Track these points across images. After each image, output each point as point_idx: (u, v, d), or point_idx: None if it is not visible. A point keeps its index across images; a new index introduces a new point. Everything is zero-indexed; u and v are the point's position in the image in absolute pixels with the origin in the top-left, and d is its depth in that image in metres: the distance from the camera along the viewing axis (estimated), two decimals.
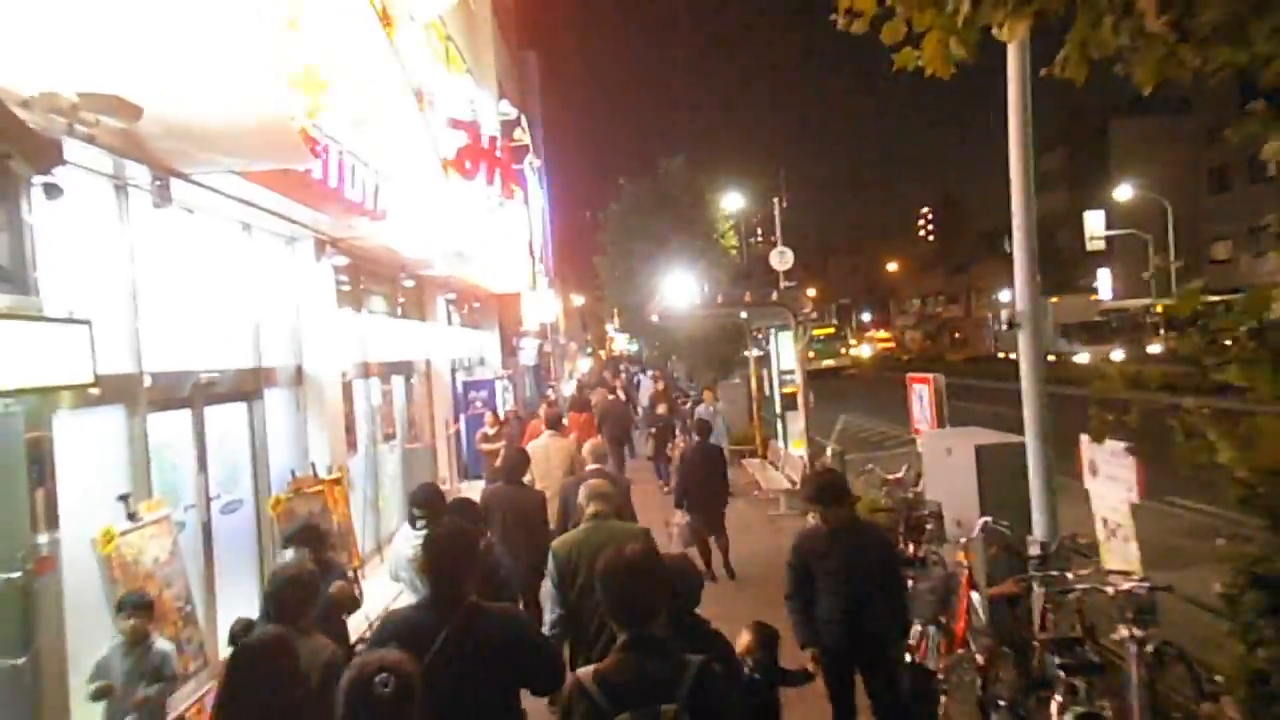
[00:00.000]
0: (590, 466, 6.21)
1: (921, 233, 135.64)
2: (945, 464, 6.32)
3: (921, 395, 7.43)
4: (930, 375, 7.30)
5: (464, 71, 11.51)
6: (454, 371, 15.16)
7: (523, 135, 14.30)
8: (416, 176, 8.79)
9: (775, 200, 17.77)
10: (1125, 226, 40.98)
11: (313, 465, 7.57)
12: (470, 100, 10.56)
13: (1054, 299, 45.48)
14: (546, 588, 4.38)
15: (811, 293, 43.70)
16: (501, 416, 14.94)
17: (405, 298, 12.19)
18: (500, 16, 23.33)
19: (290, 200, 6.51)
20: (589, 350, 50.94)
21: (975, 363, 41.72)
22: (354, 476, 9.06)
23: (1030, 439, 5.48)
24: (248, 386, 6.90)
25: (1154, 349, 32.27)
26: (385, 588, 6.19)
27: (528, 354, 21.60)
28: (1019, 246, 5.71)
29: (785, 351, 12.62)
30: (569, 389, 26.80)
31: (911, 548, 6.21)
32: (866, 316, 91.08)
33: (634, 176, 29.62)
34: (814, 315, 10.63)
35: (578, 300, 42.65)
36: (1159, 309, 33.36)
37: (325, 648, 3.41)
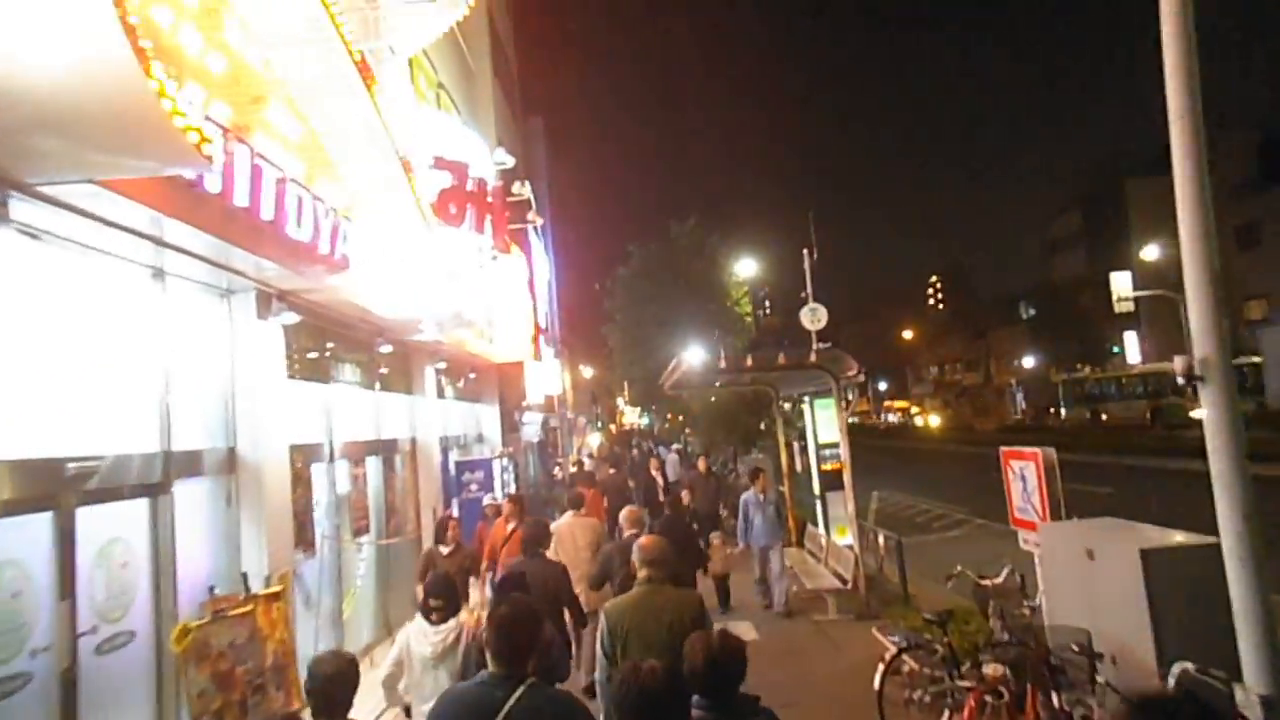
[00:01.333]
0: (629, 533, 6.51)
1: (931, 300, 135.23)
2: (1083, 572, 4.62)
3: (1023, 475, 5.76)
4: (1036, 450, 5.64)
5: (452, 112, 10.20)
6: (445, 451, 13.54)
7: (522, 190, 12.96)
8: (389, 220, 7.35)
9: (805, 252, 16.21)
10: (1150, 287, 39.56)
11: (243, 576, 5.91)
12: (457, 139, 9.19)
13: (1080, 368, 43.98)
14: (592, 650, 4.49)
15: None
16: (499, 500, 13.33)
17: (387, 367, 10.67)
18: (503, 81, 22.45)
19: (212, 237, 5.01)
20: (599, 425, 49.19)
21: (1011, 432, 39.86)
22: (308, 584, 7.37)
23: (1230, 538, 3.80)
24: (150, 477, 5.29)
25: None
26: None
27: (531, 429, 19.94)
28: (1196, 266, 4.15)
29: (824, 422, 10.96)
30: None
31: (1038, 698, 4.44)
32: (883, 385, 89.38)
33: (643, 243, 28.52)
34: (860, 378, 9.05)
35: (587, 373, 41.18)
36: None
37: None
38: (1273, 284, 38.48)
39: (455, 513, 13.76)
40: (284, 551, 6.47)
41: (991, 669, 4.71)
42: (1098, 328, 46.70)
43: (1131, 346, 47.80)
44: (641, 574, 4.27)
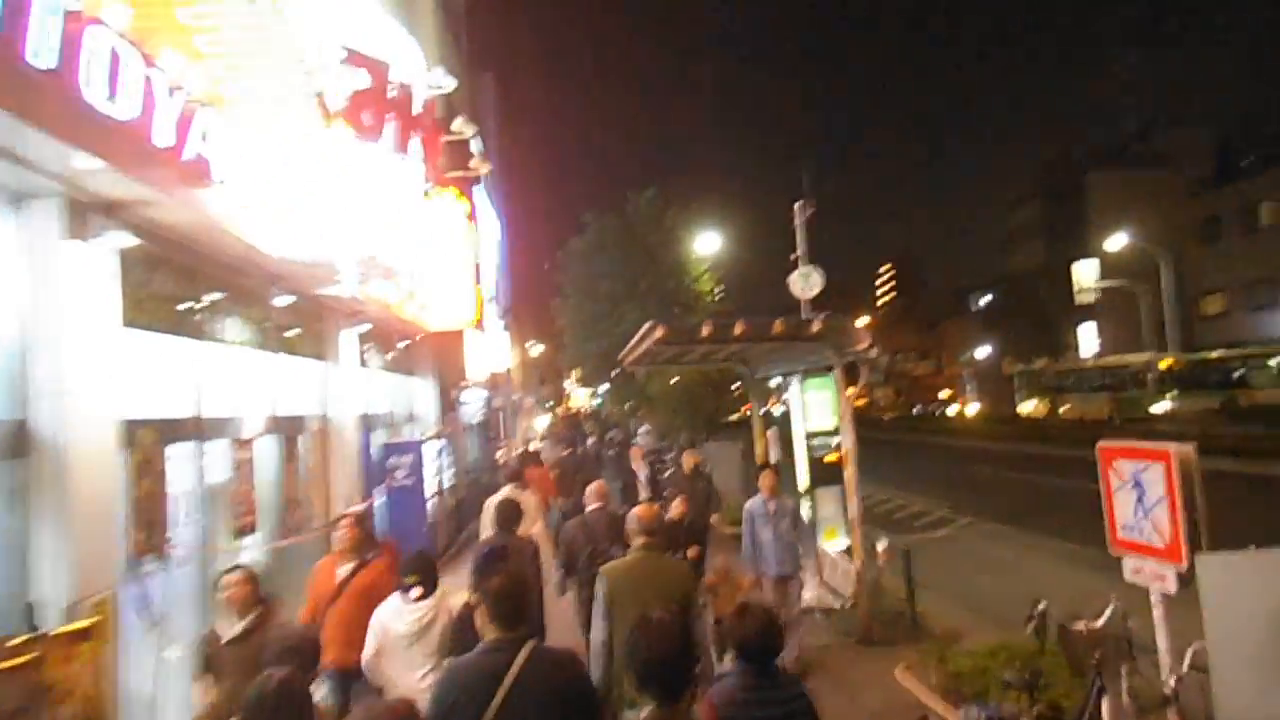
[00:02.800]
0: (592, 506, 6.54)
1: (883, 289, 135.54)
2: None
3: (1138, 481, 4.17)
4: (1164, 447, 4.03)
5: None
6: (368, 431, 11.63)
7: (464, 128, 11.04)
8: (275, 119, 5.46)
9: (797, 206, 14.37)
10: (1109, 279, 39.01)
11: (27, 608, 4.06)
12: (379, 31, 7.26)
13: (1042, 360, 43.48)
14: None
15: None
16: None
17: (292, 326, 8.74)
18: (450, 20, 20.33)
19: None
20: (547, 406, 47.24)
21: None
22: (154, 604, 5.47)
23: None
24: None
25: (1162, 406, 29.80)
26: None
27: (472, 409, 17.98)
28: None
29: (816, 405, 9.33)
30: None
31: None
32: None
33: (599, 213, 26.65)
34: (874, 353, 7.34)
35: (535, 351, 39.20)
36: (1164, 365, 30.99)
37: None
38: (1230, 278, 38.16)
39: (378, 501, 11.92)
40: (101, 568, 4.58)
41: None
42: (1053, 319, 46.19)
43: (1088, 339, 47.45)
44: (639, 541, 4.43)
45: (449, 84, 10.47)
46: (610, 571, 4.31)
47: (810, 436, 9.37)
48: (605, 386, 45.29)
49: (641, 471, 13.16)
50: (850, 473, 7.70)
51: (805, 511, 9.56)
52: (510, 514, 6.19)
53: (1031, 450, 27.55)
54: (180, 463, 6.04)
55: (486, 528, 7.06)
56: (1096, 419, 32.91)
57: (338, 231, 6.66)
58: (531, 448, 22.43)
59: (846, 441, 7.76)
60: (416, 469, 12.05)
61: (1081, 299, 37.82)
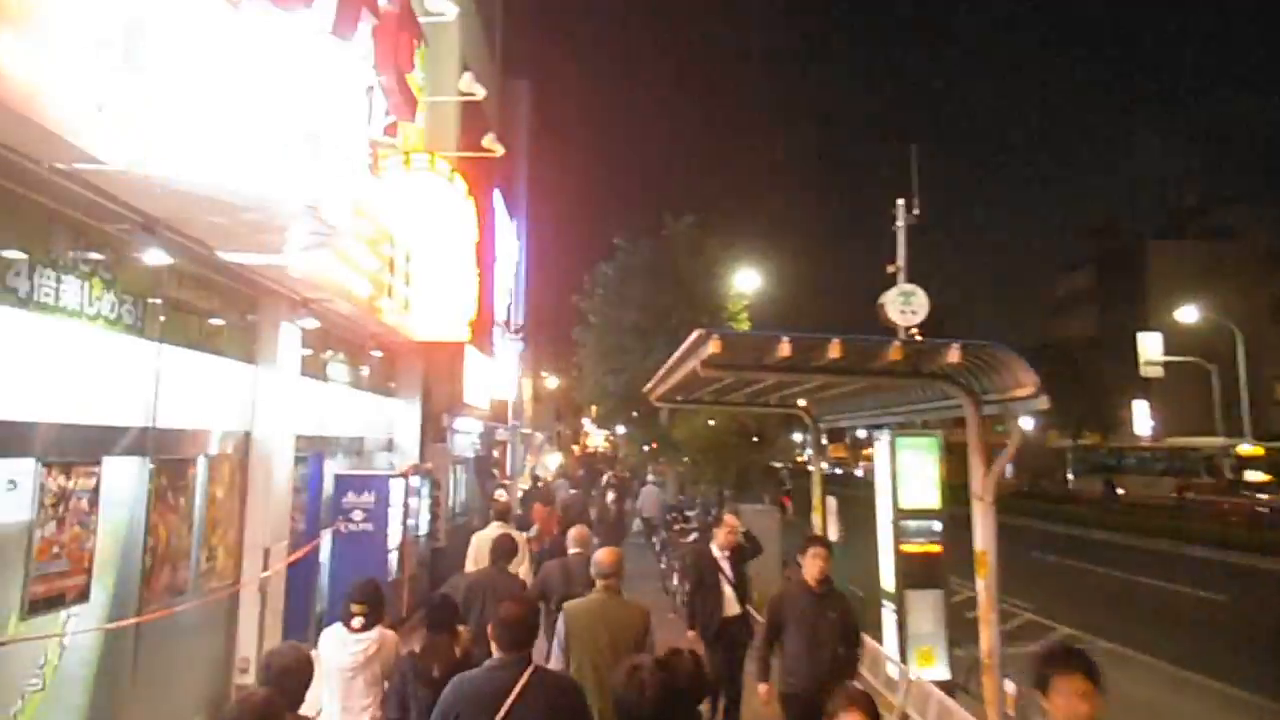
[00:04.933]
0: (573, 551, 6.46)
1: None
2: None
3: None
4: None
5: None
6: (320, 458, 9.18)
7: (473, 88, 8.71)
8: None
9: (900, 205, 11.54)
10: (1170, 353, 36.08)
11: None
12: None
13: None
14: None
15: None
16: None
17: (190, 305, 6.35)
18: (484, 21, 18.29)
19: None
20: (558, 444, 44.58)
21: (1011, 497, 35.78)
22: None
23: None
24: None
25: None
26: None
27: (466, 440, 15.44)
28: None
29: (911, 472, 6.76)
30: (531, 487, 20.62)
31: None
32: (862, 433, 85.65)
33: (633, 238, 24.36)
34: (1041, 401, 4.88)
35: (552, 383, 36.69)
36: (1245, 452, 27.91)
37: None
38: None
39: (326, 549, 9.41)
40: None
41: None
42: (1105, 393, 43.13)
43: (1141, 416, 44.29)
44: (600, 584, 4.52)
45: (451, 10, 8.20)
46: (570, 609, 4.44)
47: (902, 516, 6.77)
48: (621, 429, 42.80)
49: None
50: (986, 584, 5.08)
51: (890, 617, 6.93)
52: (506, 549, 6.12)
53: (1097, 536, 24.62)
54: None
55: (473, 563, 7.21)
56: (1159, 504, 29.86)
57: (239, 148, 4.27)
58: (539, 483, 20.17)
59: (980, 531, 5.15)
60: (379, 510, 9.54)
61: (1148, 372, 34.82)
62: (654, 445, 24.77)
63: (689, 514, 16.32)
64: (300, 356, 7.88)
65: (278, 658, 3.31)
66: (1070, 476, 38.79)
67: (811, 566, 5.22)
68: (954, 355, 4.71)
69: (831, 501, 9.05)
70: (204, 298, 6.36)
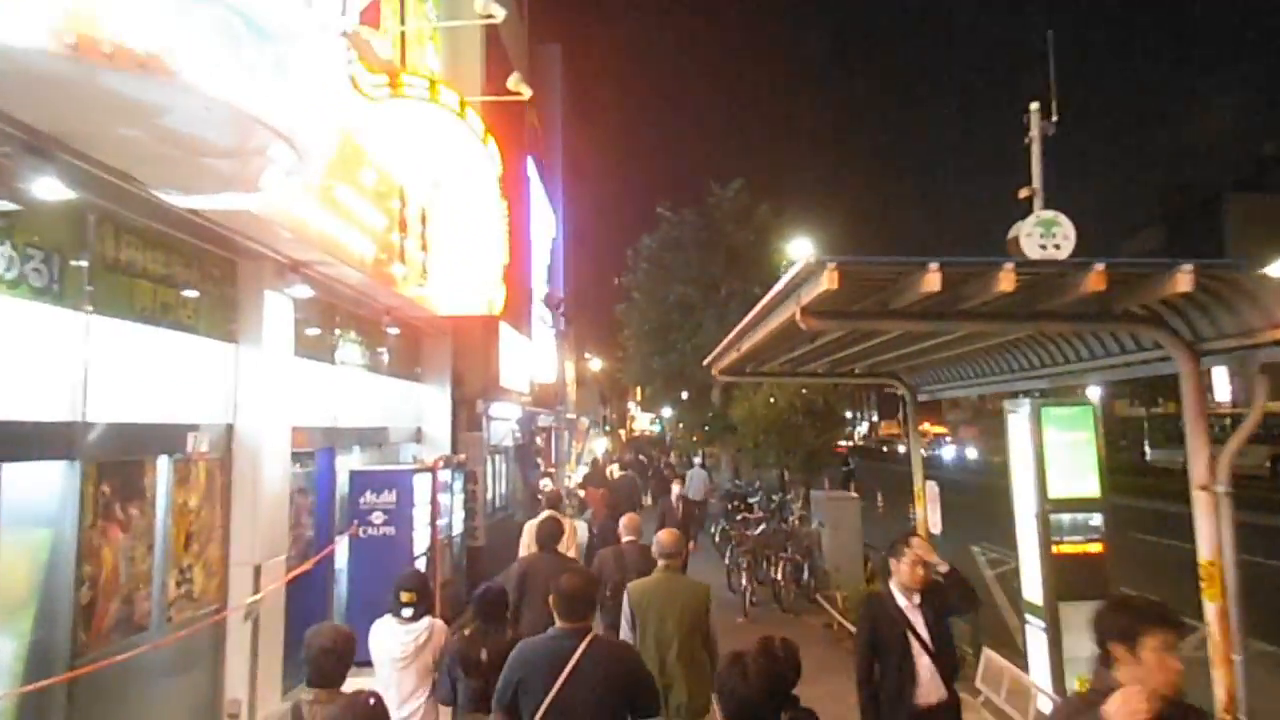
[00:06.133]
0: (626, 539, 6.39)
1: None
2: None
3: None
4: None
5: None
6: (331, 453, 7.93)
7: (488, 5, 7.30)
8: None
9: (1033, 109, 9.57)
10: None
11: None
12: None
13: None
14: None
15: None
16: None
17: (138, 269, 5.08)
18: None
19: None
20: (606, 428, 43.31)
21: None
22: None
23: None
24: None
25: None
26: None
27: (504, 428, 14.12)
28: None
29: (1063, 456, 5.24)
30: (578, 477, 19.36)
31: None
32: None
33: (677, 208, 22.85)
34: None
35: (595, 366, 35.35)
36: None
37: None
38: None
39: (342, 557, 8.20)
40: None
41: None
42: None
43: (1220, 382, 41.59)
44: (661, 563, 4.68)
45: (499, 12, 6.89)
46: (634, 587, 4.56)
47: (1054, 509, 5.26)
48: (668, 412, 41.30)
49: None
50: (1219, 608, 3.57)
51: (1037, 636, 5.45)
52: (551, 532, 6.14)
53: (1185, 511, 22.55)
54: None
55: (525, 551, 7.20)
56: (1251, 474, 27.56)
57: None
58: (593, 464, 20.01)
59: (1204, 534, 3.65)
60: (403, 510, 8.28)
61: None
62: (705, 428, 23.32)
63: (751, 500, 14.87)
64: (296, 333, 6.60)
65: (317, 638, 3.27)
66: (1147, 448, 36.41)
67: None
68: (1183, 282, 3.20)
69: (933, 487, 7.56)
70: (158, 259, 5.08)
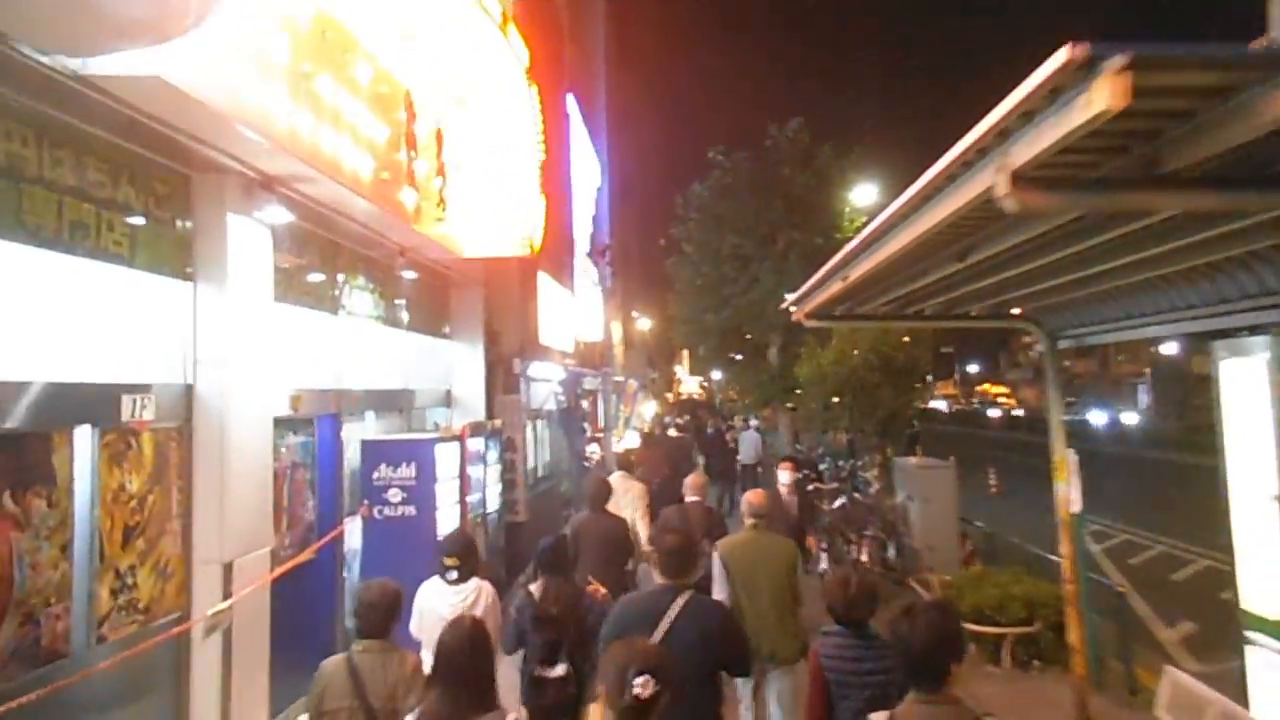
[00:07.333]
0: (690, 498, 6.48)
1: None
2: None
3: None
4: None
5: None
6: (335, 421, 6.65)
7: None
8: None
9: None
10: None
11: None
12: None
13: None
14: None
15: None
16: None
17: (22, 173, 3.76)
18: None
19: None
20: (654, 392, 41.97)
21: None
22: None
23: None
24: None
25: None
26: None
27: (544, 390, 12.76)
28: None
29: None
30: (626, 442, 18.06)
31: None
32: (973, 368, 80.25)
33: (731, 151, 21.14)
34: None
35: (643, 325, 33.88)
36: None
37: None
38: None
39: (353, 537, 6.99)
40: None
41: None
42: None
43: None
44: (749, 522, 4.90)
45: None
46: (724, 545, 4.86)
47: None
48: (718, 375, 39.70)
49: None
50: None
51: (1266, 659, 4.00)
52: (601, 493, 6.20)
53: None
54: None
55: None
56: None
57: None
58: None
59: None
60: (424, 486, 7.01)
61: None
62: (760, 390, 21.78)
63: (821, 469, 13.41)
64: (287, 276, 5.30)
65: (365, 593, 3.37)
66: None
67: None
68: None
69: (1073, 457, 6.05)
70: (66, 162, 3.76)
